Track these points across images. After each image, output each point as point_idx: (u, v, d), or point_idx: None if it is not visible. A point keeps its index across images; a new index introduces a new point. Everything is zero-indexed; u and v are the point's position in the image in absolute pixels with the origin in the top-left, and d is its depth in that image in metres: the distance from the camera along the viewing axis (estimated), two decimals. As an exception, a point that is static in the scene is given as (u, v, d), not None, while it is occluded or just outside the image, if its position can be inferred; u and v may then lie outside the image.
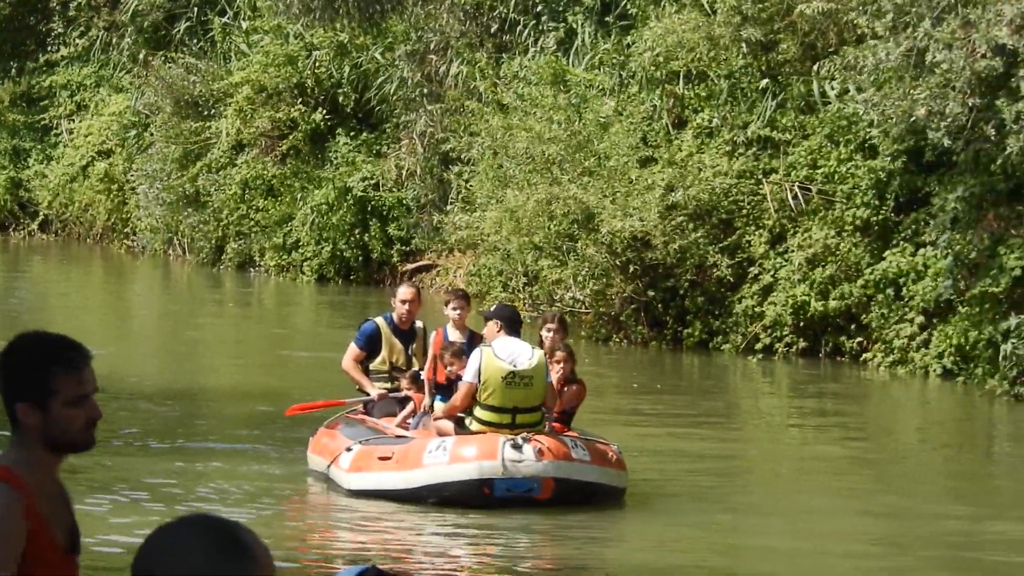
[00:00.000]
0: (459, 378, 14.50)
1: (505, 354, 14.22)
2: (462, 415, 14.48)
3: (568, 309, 25.21)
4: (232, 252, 34.80)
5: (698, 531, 14.11)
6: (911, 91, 20.55)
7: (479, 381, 14.23)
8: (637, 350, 24.63)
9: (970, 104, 20.67)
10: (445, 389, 14.99)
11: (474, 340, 15.10)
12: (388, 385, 15.60)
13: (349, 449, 14.90)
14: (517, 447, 14.01)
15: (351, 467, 14.83)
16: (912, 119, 20.80)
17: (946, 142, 21.00)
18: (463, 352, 14.72)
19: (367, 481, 14.76)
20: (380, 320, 15.73)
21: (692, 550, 13.86)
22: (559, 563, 13.83)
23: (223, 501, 15.00)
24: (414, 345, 15.68)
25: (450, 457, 14.02)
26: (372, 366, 15.58)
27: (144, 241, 38.28)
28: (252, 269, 34.70)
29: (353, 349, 15.65)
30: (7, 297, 32.18)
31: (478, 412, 14.35)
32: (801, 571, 13.64)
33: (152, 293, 35.87)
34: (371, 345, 15.60)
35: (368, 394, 15.59)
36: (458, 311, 15.31)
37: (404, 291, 15.90)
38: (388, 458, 14.64)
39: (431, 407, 14.93)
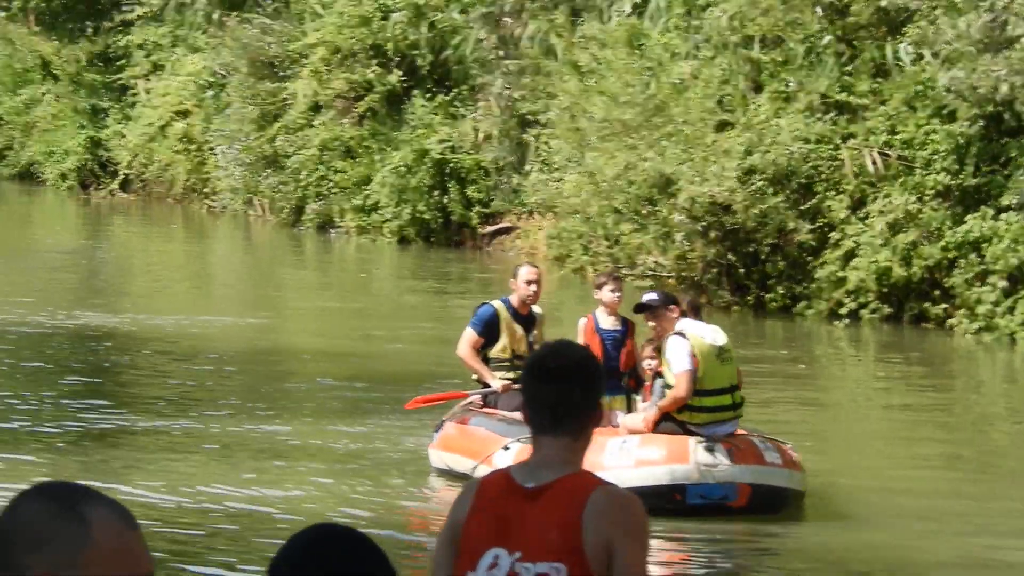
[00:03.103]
0: (659, 374, 13.30)
1: (703, 333, 13.25)
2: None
3: (650, 273, 25.40)
4: (312, 213, 35.10)
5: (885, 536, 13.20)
6: (992, 68, 20.59)
7: (695, 366, 13.04)
8: (720, 314, 24.31)
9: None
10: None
11: (628, 327, 14.16)
12: (511, 375, 14.15)
13: (507, 448, 13.55)
14: (710, 449, 12.96)
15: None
16: (996, 91, 20.88)
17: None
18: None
19: None
20: (498, 304, 14.58)
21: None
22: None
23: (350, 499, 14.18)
24: (535, 331, 14.53)
25: (635, 460, 12.75)
26: (491, 354, 14.49)
27: (224, 201, 38.66)
28: (332, 230, 34.93)
29: (470, 335, 14.52)
30: (91, 257, 32.51)
31: (696, 400, 13.14)
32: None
33: (233, 254, 36.21)
34: (490, 331, 14.46)
35: (489, 385, 14.45)
36: (616, 294, 14.05)
37: (528, 271, 14.70)
38: None
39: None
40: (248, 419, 17.14)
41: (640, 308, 13.49)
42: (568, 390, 4.56)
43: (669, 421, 13.11)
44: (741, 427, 13.46)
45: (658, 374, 13.29)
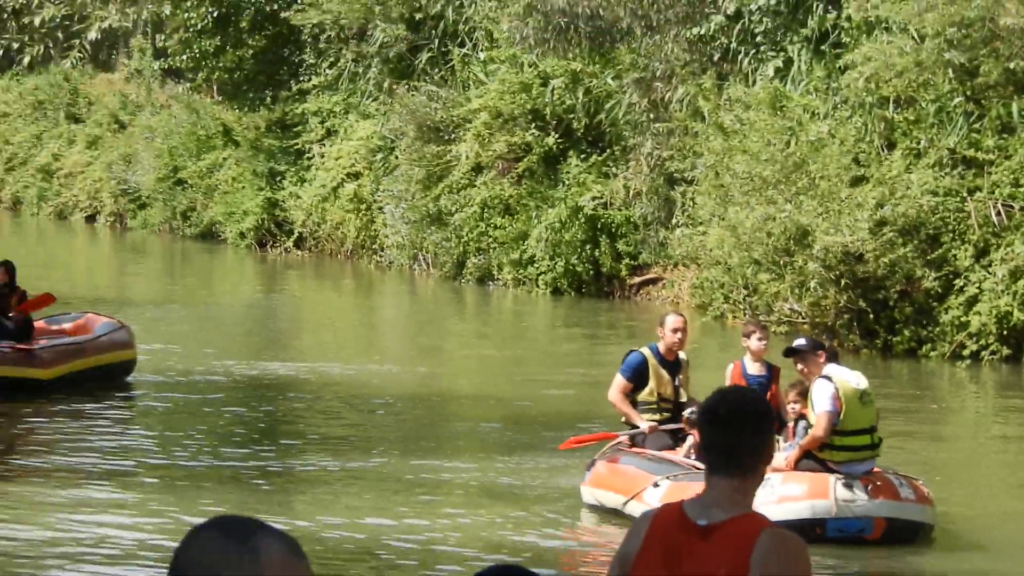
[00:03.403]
0: (802, 417, 13.73)
1: (848, 377, 13.59)
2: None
3: (786, 319, 26.19)
4: (472, 267, 35.49)
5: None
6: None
7: (838, 408, 13.42)
8: (850, 357, 24.57)
9: None
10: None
11: (773, 373, 14.45)
12: (657, 417, 14.70)
13: (656, 484, 13.90)
14: (849, 486, 13.29)
15: (665, 502, 13.41)
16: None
17: None
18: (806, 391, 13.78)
19: None
20: (646, 350, 14.79)
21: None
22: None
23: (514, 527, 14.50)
24: (681, 376, 14.81)
25: (778, 496, 12.98)
26: (640, 397, 14.75)
27: (391, 257, 39.17)
28: (491, 283, 35.23)
29: (620, 381, 14.79)
30: (268, 310, 33.12)
31: (838, 440, 13.54)
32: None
33: (399, 306, 36.43)
34: (638, 377, 14.74)
35: (637, 427, 14.72)
36: (763, 342, 14.48)
37: (674, 320, 14.92)
38: None
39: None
40: (413, 457, 17.35)
41: (789, 352, 13.86)
42: (739, 433, 4.66)
43: (810, 459, 13.47)
44: (877, 465, 13.74)
45: (801, 416, 13.59)
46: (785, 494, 13.09)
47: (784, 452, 13.46)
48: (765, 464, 4.80)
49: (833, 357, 13.89)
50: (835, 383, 13.32)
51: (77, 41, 56.81)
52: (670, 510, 4.95)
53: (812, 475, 13.21)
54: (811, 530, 12.65)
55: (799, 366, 13.72)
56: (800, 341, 14.29)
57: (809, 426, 13.50)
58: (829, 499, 13.15)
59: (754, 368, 14.27)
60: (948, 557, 13.77)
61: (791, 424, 13.89)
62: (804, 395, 13.63)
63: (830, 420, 13.26)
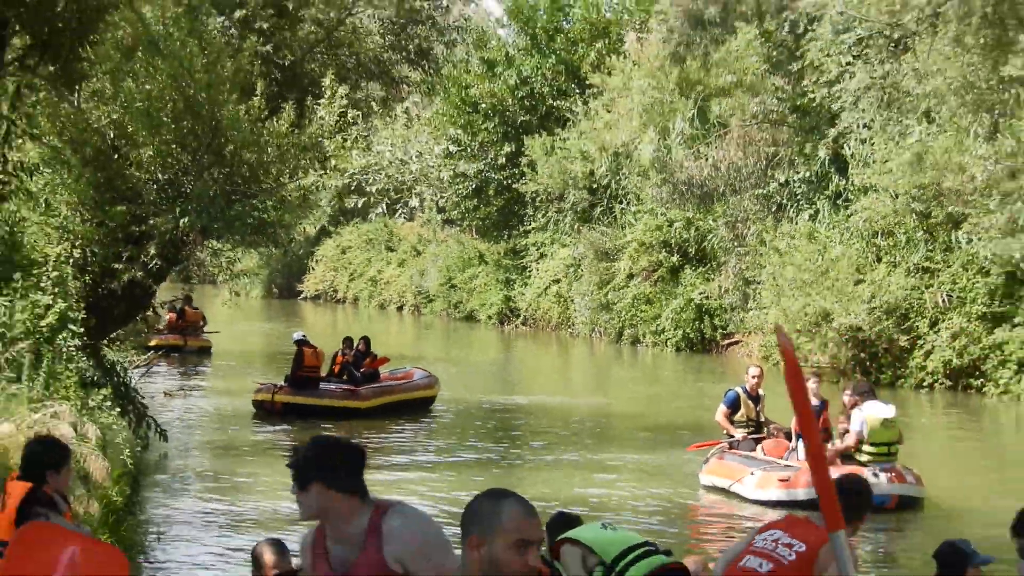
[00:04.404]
0: (847, 431, 13.28)
1: (875, 410, 13.10)
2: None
3: (814, 367, 23.55)
4: (627, 335, 33.97)
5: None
6: None
7: (864, 430, 13.04)
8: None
9: None
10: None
11: (824, 404, 13.82)
12: (745, 431, 14.52)
13: (752, 473, 13.62)
14: (876, 475, 12.79)
15: (758, 485, 13.44)
16: None
17: None
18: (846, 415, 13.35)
19: (771, 495, 13.30)
20: (739, 389, 14.59)
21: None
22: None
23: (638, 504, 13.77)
24: (760, 405, 14.58)
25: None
26: (735, 418, 14.53)
27: (578, 330, 37.24)
28: (638, 344, 33.50)
29: (723, 408, 14.58)
30: (504, 365, 30.90)
31: (866, 448, 13.20)
32: None
33: (581, 361, 33.46)
34: (734, 405, 14.51)
35: (734, 436, 14.51)
36: (817, 385, 13.81)
37: (753, 369, 14.73)
38: (786, 480, 13.24)
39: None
40: (594, 452, 17.00)
41: (853, 392, 13.47)
42: None
43: (849, 459, 13.11)
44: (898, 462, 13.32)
45: (847, 430, 13.27)
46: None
47: (831, 449, 13.01)
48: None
49: (871, 393, 13.38)
50: (863, 414, 13.00)
51: (400, 203, 56.23)
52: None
53: (853, 467, 12.54)
54: None
55: (848, 399, 13.41)
56: (853, 387, 13.77)
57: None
58: None
59: (813, 401, 13.52)
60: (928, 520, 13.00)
61: (838, 440, 13.38)
62: (848, 418, 13.30)
63: (855, 438, 13.05)
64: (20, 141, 12.64)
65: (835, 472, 12.25)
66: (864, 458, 13.01)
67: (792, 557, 4.98)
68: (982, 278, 23.90)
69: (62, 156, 13.95)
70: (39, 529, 3.66)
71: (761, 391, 14.57)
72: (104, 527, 9.69)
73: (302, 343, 19.87)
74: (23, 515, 4.95)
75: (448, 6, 28.28)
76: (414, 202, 55.03)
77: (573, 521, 5.46)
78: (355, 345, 20.73)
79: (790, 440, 13.95)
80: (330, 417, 19.04)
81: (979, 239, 22.79)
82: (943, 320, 24.31)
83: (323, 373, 20.21)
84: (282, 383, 19.66)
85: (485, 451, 17.43)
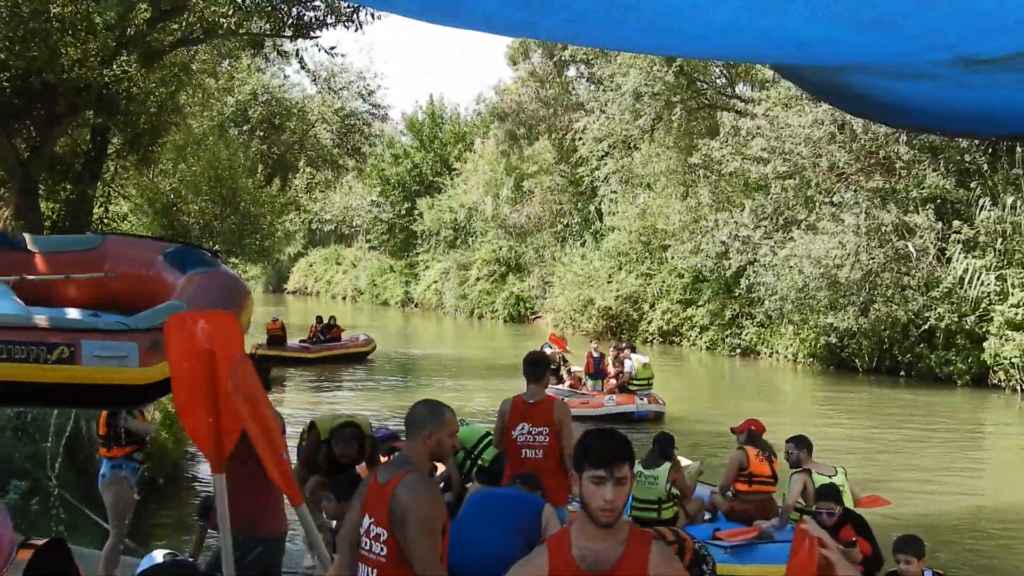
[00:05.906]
0: (620, 372, 11.14)
1: (638, 357, 10.87)
2: None
3: None
4: None
5: None
6: None
7: (634, 371, 10.57)
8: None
9: None
10: None
11: (602, 356, 11.59)
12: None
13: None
14: (641, 398, 10.55)
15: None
16: None
17: None
18: None
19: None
20: (547, 349, 11.96)
21: None
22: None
23: None
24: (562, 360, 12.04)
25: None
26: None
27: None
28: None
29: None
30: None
31: (635, 381, 11.02)
32: None
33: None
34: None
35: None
36: None
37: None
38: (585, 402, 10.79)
39: None
40: (457, 379, 15.00)
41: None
42: None
43: (625, 391, 11.08)
44: None
45: (620, 371, 10.93)
46: None
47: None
48: None
49: (632, 348, 11.43)
50: (631, 362, 10.99)
51: (344, 234, 47.95)
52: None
53: (627, 396, 10.48)
54: None
55: (614, 351, 11.12)
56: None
57: None
58: None
59: (595, 355, 11.63)
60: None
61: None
62: (620, 363, 10.86)
63: (629, 376, 10.88)
64: (116, 200, 13.48)
65: (614, 401, 10.41)
66: (633, 388, 11.44)
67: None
68: (679, 279, 23.12)
69: (142, 209, 14.74)
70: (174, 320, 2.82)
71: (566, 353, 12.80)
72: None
73: (274, 320, 18.49)
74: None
75: (371, 122, 28.65)
76: (352, 234, 53.16)
77: None
78: (325, 321, 19.29)
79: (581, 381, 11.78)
80: (294, 365, 17.24)
81: (676, 257, 22.16)
82: (657, 303, 23.37)
83: (298, 340, 18.50)
84: (261, 343, 18.06)
85: (401, 380, 16.25)
